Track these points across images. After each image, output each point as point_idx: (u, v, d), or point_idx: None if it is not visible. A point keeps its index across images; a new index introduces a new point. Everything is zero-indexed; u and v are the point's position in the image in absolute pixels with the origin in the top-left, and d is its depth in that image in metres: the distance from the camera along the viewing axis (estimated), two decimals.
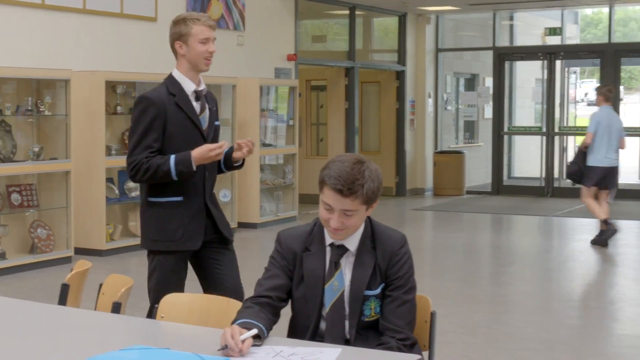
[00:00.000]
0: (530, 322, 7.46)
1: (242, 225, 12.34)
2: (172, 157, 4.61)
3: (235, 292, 4.70)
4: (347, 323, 3.42)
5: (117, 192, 10.63)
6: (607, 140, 11.04)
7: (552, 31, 17.65)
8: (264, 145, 12.92)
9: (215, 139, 4.91)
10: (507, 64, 17.81)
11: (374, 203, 3.36)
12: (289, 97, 13.50)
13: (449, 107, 18.71)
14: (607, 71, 16.44)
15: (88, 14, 10.57)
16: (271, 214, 13.00)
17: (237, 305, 3.47)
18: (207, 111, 4.86)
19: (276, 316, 3.41)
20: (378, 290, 3.42)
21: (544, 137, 17.00)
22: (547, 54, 17.05)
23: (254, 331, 3.10)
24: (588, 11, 20.14)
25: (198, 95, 4.81)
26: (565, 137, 17.58)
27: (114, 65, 10.74)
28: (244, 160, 4.95)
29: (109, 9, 10.86)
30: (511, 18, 18.82)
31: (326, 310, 3.42)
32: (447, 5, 16.54)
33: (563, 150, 17.59)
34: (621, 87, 18.40)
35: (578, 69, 20.84)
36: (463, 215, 14.62)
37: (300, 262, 3.46)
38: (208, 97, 4.92)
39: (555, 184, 17.07)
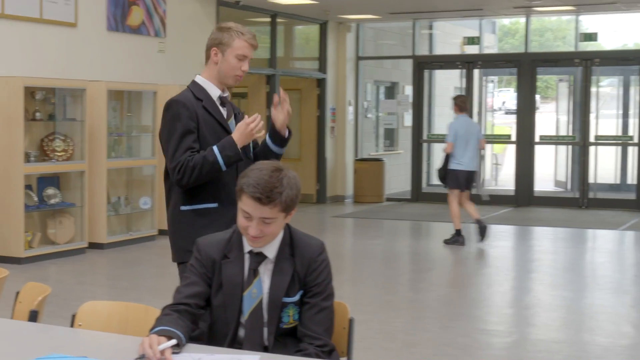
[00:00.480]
0: (447, 327, 7.56)
1: (163, 232, 12.24)
2: (214, 147, 4.38)
3: None
4: (265, 330, 3.43)
5: (35, 199, 10.48)
6: (465, 146, 11.68)
7: (471, 40, 17.92)
8: None
9: (247, 145, 4.62)
10: (426, 73, 18.03)
11: (292, 210, 3.39)
12: None
13: (369, 115, 18.86)
14: (523, 80, 16.76)
15: (6, 18, 10.39)
16: None
17: (155, 313, 3.46)
18: (233, 117, 4.64)
19: (194, 323, 3.41)
20: (296, 297, 3.44)
21: None
22: (466, 63, 17.32)
23: (173, 341, 3.10)
24: (506, 21, 20.49)
25: (223, 101, 4.62)
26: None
27: (33, 71, 10.59)
28: (290, 131, 4.71)
29: (28, 14, 10.70)
30: (430, 27, 19.05)
31: (245, 317, 3.44)
32: (368, 14, 16.70)
33: (481, 157, 17.85)
34: (537, 96, 18.80)
35: (496, 78, 21.19)
36: (383, 222, 14.75)
37: (218, 269, 3.46)
38: (233, 105, 4.74)
39: (473, 191, 17.26)
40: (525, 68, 16.69)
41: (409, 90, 18.06)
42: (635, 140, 16.08)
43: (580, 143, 16.46)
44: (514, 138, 16.97)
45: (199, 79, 4.62)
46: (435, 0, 15.40)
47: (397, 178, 18.58)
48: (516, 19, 17.95)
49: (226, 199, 4.44)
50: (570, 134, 17.05)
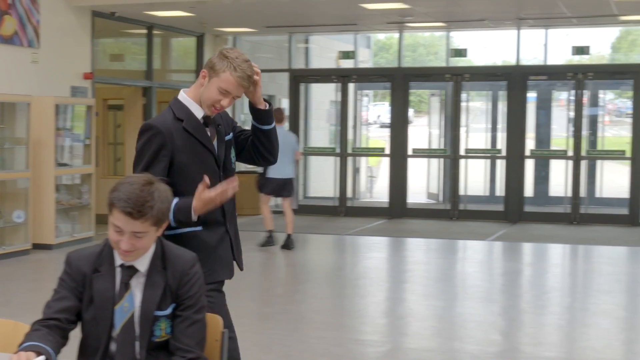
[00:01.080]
0: (322, 338, 7.63)
1: (37, 246, 12.00)
2: (173, 203, 3.98)
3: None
4: (137, 344, 3.41)
5: None
6: (282, 156, 11.95)
7: (346, 55, 18.13)
8: (60, 165, 12.63)
9: (227, 159, 4.42)
10: (302, 86, 18.15)
11: (164, 224, 3.39)
12: (85, 116, 13.25)
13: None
14: (397, 94, 17.03)
15: None
16: (67, 235, 12.71)
17: (25, 328, 3.40)
18: (216, 137, 4.36)
19: (65, 339, 3.36)
20: (169, 311, 3.43)
21: (338, 158, 17.41)
22: (341, 77, 17.50)
23: (42, 358, 3.05)
24: (381, 36, 20.82)
25: (207, 121, 4.30)
26: (358, 157, 18.09)
27: None
28: (269, 103, 4.43)
29: None
30: (306, 41, 19.18)
31: (116, 331, 3.41)
32: (244, 27, 16.73)
33: (356, 170, 18.09)
34: (411, 110, 19.11)
35: (371, 92, 21.46)
36: (260, 234, 14.75)
37: (89, 283, 3.42)
38: (215, 117, 4.38)
39: (349, 204, 17.51)
40: (399, 82, 16.97)
41: (285, 103, 18.14)
42: (503, 153, 16.54)
43: (451, 156, 16.83)
44: (387, 151, 17.22)
45: (183, 97, 4.32)
46: (311, 15, 15.52)
47: None
48: (390, 34, 18.24)
49: (212, 220, 4.25)
50: (442, 147, 17.42)
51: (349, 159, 17.57)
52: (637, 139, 15.73)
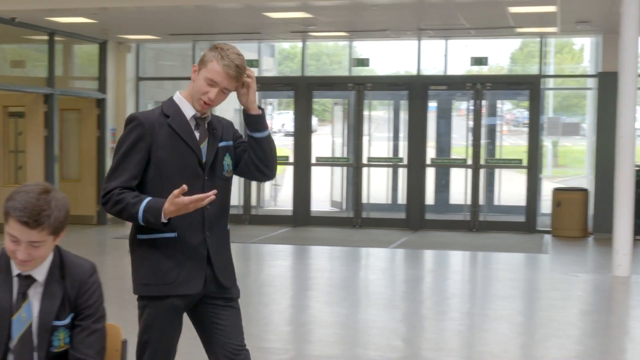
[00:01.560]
0: None
1: None
2: (145, 201, 3.93)
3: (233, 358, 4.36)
4: (35, 355, 3.35)
5: None
6: None
7: (250, 63, 18.06)
8: None
9: (218, 165, 4.16)
10: None
11: (61, 232, 3.32)
12: None
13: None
14: (300, 103, 17.10)
15: None
16: None
17: None
18: (207, 141, 4.14)
19: None
20: (67, 320, 3.38)
21: None
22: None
23: None
24: (285, 45, 20.84)
25: (198, 122, 4.13)
26: None
27: None
28: (263, 112, 4.24)
29: None
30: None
31: (14, 342, 3.34)
32: (148, 34, 16.58)
33: None
34: (315, 119, 19.20)
35: (275, 101, 21.48)
36: None
37: None
38: (213, 122, 4.21)
39: (253, 212, 17.49)
40: (302, 91, 17.04)
41: None
42: (405, 162, 16.73)
43: (354, 164, 16.96)
44: (291, 160, 17.26)
45: (176, 96, 4.18)
46: (215, 23, 15.47)
47: None
48: (295, 43, 18.29)
49: (187, 227, 4.06)
50: (345, 155, 17.52)
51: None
52: (533, 147, 16.11)
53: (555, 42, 18.34)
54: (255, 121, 4.20)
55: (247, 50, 18.82)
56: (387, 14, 13.89)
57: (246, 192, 17.32)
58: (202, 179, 4.09)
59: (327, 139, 19.16)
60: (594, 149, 15.72)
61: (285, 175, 18.99)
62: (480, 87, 16.29)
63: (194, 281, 4.10)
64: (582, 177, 18.45)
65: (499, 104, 17.67)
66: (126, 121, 4.09)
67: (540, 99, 16.42)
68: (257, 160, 4.24)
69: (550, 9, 12.99)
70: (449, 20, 14.42)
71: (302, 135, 17.06)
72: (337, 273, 12.10)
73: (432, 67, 17.49)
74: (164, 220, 3.90)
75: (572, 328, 8.61)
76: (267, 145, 4.22)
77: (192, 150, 4.08)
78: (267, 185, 18.66)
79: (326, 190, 18.58)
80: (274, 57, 20.91)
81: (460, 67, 17.26)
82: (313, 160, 17.09)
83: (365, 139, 16.96)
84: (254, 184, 17.52)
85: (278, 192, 19.57)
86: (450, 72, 16.95)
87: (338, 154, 17.87)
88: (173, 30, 16.08)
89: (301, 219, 17.00)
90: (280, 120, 23.92)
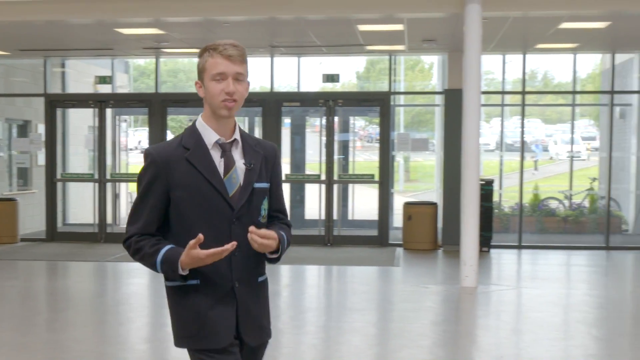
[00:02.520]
0: None
1: None
2: (162, 251, 3.61)
3: None
4: None
5: None
6: None
7: (103, 80, 17.96)
8: None
9: (253, 208, 3.71)
10: (59, 111, 17.84)
11: None
12: None
13: (1, 154, 18.28)
14: (154, 120, 17.06)
15: None
16: None
17: None
18: (236, 170, 3.68)
19: None
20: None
21: (97, 184, 17.21)
22: (98, 102, 17.32)
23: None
24: (141, 61, 20.72)
25: (224, 148, 3.67)
26: (117, 183, 17.92)
27: None
28: (279, 251, 3.79)
29: None
30: (63, 65, 18.84)
31: None
32: None
33: (116, 196, 17.92)
34: (172, 136, 19.13)
35: (129, 117, 21.30)
36: (17, 263, 14.37)
37: None
38: (247, 150, 3.73)
39: (109, 230, 17.32)
40: (156, 108, 17.01)
41: (42, 128, 17.75)
42: None
43: None
44: None
45: (199, 122, 3.73)
46: (66, 39, 15.29)
47: (32, 218, 18.13)
48: (150, 59, 18.23)
49: (212, 274, 3.65)
50: None
51: (109, 185, 17.40)
52: (384, 163, 16.55)
53: (407, 59, 18.91)
54: (271, 261, 3.85)
55: (101, 66, 18.69)
56: (239, 31, 14.04)
57: (101, 210, 17.15)
58: (229, 223, 3.66)
59: None
60: (442, 163, 16.28)
61: None
62: (333, 103, 16.65)
63: (221, 334, 3.68)
64: (432, 191, 19.07)
65: (351, 120, 18.06)
66: (143, 156, 3.73)
67: (391, 115, 16.89)
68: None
69: (398, 27, 13.43)
70: (301, 37, 14.70)
71: None
72: None
73: (285, 84, 17.76)
74: (182, 272, 3.58)
75: (423, 338, 8.94)
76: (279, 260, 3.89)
77: (215, 187, 3.63)
78: (124, 203, 18.51)
79: None
80: (129, 74, 20.76)
81: (313, 84, 17.57)
82: None
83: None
84: (109, 202, 17.35)
85: None
86: (303, 89, 17.24)
87: None
88: (23, 45, 15.81)
89: None
90: (136, 138, 23.76)
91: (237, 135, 3.73)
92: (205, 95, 3.66)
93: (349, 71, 19.39)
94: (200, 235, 3.46)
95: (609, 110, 16.99)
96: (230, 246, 3.48)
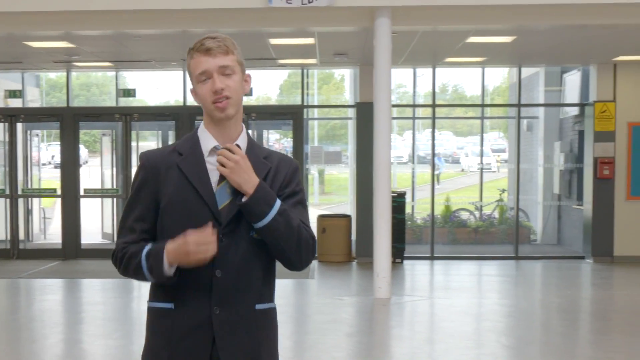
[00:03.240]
0: None
1: None
2: (146, 246, 3.21)
3: None
4: None
5: None
6: None
7: (13, 94, 17.69)
8: None
9: (245, 224, 3.22)
10: None
11: None
12: None
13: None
14: (66, 134, 16.83)
15: None
16: None
17: None
18: (226, 183, 3.22)
19: None
20: None
21: (8, 200, 16.93)
22: (8, 117, 17.03)
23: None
24: (52, 75, 20.46)
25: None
26: (30, 199, 17.65)
27: None
28: (257, 192, 3.17)
29: None
30: None
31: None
32: None
33: (28, 212, 17.65)
34: (85, 150, 18.96)
35: (41, 132, 21.00)
36: None
37: None
38: (250, 160, 3.21)
39: (21, 246, 17.04)
40: (68, 122, 16.79)
41: None
42: None
43: (122, 196, 16.88)
44: (59, 192, 16.96)
45: (200, 128, 3.35)
46: None
47: None
48: (62, 73, 18.01)
49: (188, 297, 3.21)
50: (115, 187, 17.39)
51: (20, 200, 17.13)
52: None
53: (320, 73, 19.07)
54: (243, 210, 3.20)
55: (11, 80, 18.40)
56: (151, 45, 13.99)
57: (13, 226, 16.87)
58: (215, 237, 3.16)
59: (97, 170, 18.94)
60: (355, 176, 16.44)
61: (55, 207, 18.62)
62: (246, 117, 16.69)
63: None
64: (347, 203, 19.24)
65: (265, 133, 18.13)
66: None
67: (305, 128, 17.00)
68: (270, 251, 3.30)
69: (309, 41, 13.54)
70: None
71: (70, 167, 16.80)
72: (109, 305, 12.04)
73: None
74: (167, 269, 3.15)
75: (338, 350, 9.04)
76: (269, 236, 3.21)
77: (202, 198, 3.21)
78: (36, 218, 18.25)
79: (97, 222, 18.37)
80: (39, 88, 20.48)
81: None
82: (81, 192, 16.88)
83: (133, 170, 16.91)
84: (22, 218, 17.08)
85: (48, 225, 19.17)
86: None
87: (108, 185, 17.71)
88: None
89: (71, 252, 16.74)
90: (50, 152, 23.46)
91: (240, 142, 3.30)
92: (199, 101, 3.26)
93: (264, 84, 19.47)
94: (190, 232, 3.08)
95: (516, 122, 17.40)
96: (209, 226, 3.08)
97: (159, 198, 3.23)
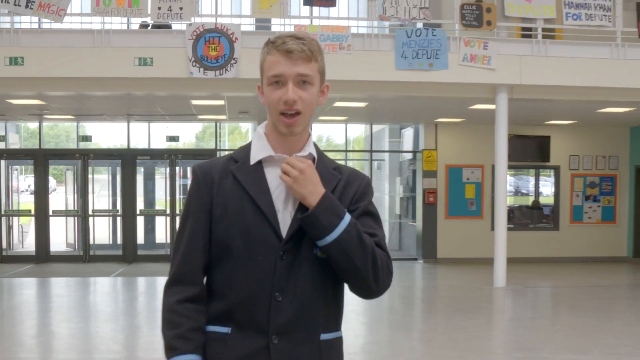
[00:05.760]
0: None
1: None
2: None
3: None
4: None
5: None
6: None
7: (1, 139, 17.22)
8: None
9: (309, 240, 2.09)
10: None
11: None
12: None
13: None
14: (39, 169, 16.46)
15: None
16: None
17: None
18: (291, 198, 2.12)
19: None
20: None
21: None
22: None
23: None
24: (31, 125, 19.82)
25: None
26: (11, 217, 17.08)
27: None
28: (313, 213, 2.05)
29: None
30: None
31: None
32: None
33: (9, 227, 17.07)
34: (54, 181, 18.45)
35: (19, 167, 20.34)
36: None
37: None
38: (318, 170, 2.13)
39: (4, 253, 16.48)
40: (40, 160, 16.43)
41: None
42: (120, 212, 16.60)
43: (82, 215, 16.56)
44: (33, 212, 16.53)
45: (258, 133, 2.21)
46: None
47: None
48: (35, 123, 17.53)
49: (245, 322, 2.10)
50: (76, 208, 17.00)
51: (4, 219, 16.59)
52: None
53: (230, 126, 19.10)
54: (306, 224, 2.07)
55: None
56: (102, 103, 13.79)
57: None
58: (274, 257, 2.09)
59: (62, 196, 18.49)
60: None
61: (31, 224, 18.05)
62: (174, 157, 16.63)
63: None
64: None
65: (189, 169, 18.00)
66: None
67: None
68: (340, 273, 2.13)
69: (220, 102, 13.57)
70: (150, 108, 14.60)
71: (41, 193, 16.42)
72: (71, 298, 11.78)
73: (139, 142, 17.54)
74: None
75: None
76: (338, 254, 2.06)
77: (258, 207, 2.10)
78: (16, 232, 17.66)
79: (62, 235, 17.90)
80: (19, 134, 19.86)
81: (160, 142, 17.45)
82: (50, 212, 16.49)
83: (90, 196, 16.62)
84: (4, 229, 16.54)
85: (25, 237, 18.56)
86: (153, 146, 17.11)
87: (70, 207, 17.32)
88: None
89: (42, 257, 16.29)
90: (27, 182, 22.70)
91: (309, 151, 2.18)
92: (265, 103, 2.16)
93: (187, 133, 19.30)
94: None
95: (369, 163, 17.76)
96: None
97: (212, 208, 2.13)
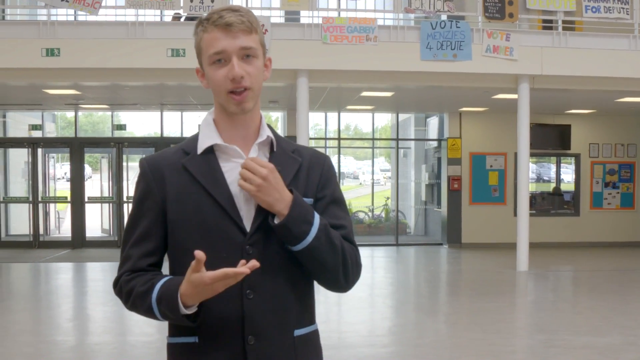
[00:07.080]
0: (18, 342, 7.37)
1: None
2: (157, 286, 1.87)
3: None
4: None
5: None
6: None
7: (35, 127, 17.42)
8: None
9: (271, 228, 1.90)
10: (0, 150, 17.16)
11: None
12: None
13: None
14: (75, 157, 16.64)
15: None
16: None
17: None
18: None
19: None
20: None
21: (31, 205, 16.61)
22: (31, 144, 16.76)
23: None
24: (69, 114, 20.07)
25: (230, 153, 1.95)
26: (47, 204, 17.33)
27: None
28: (284, 224, 1.87)
29: None
30: (4, 116, 18.11)
31: None
32: None
33: (46, 213, 17.33)
34: (89, 168, 18.67)
35: (56, 155, 20.63)
36: None
37: None
38: (277, 155, 1.98)
39: (41, 239, 16.72)
40: (76, 148, 16.61)
41: None
42: None
43: (116, 202, 16.74)
44: (70, 199, 16.75)
45: (205, 120, 2.01)
46: (6, 96, 14.69)
47: None
48: (71, 112, 17.75)
49: (215, 330, 1.90)
50: (111, 195, 17.21)
51: (40, 205, 16.84)
52: None
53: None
54: (278, 232, 1.89)
55: (33, 117, 18.10)
56: (136, 92, 13.91)
57: (35, 222, 16.55)
58: (240, 252, 1.89)
59: (97, 183, 18.71)
60: None
61: (66, 210, 18.31)
62: None
63: None
64: None
65: None
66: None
67: None
68: (312, 272, 1.97)
69: None
70: (182, 98, 14.68)
71: (77, 181, 16.63)
72: (106, 282, 11.85)
73: (172, 130, 17.68)
74: (185, 310, 1.83)
75: None
76: (310, 258, 1.91)
77: (218, 202, 1.90)
78: (52, 218, 17.92)
79: (97, 221, 18.13)
80: (56, 123, 20.13)
81: (192, 130, 17.52)
82: (86, 199, 16.70)
83: (124, 183, 16.79)
84: (41, 215, 16.79)
85: (61, 223, 18.84)
86: (185, 135, 17.19)
87: (105, 194, 17.53)
88: None
89: (78, 243, 16.52)
90: (63, 170, 23.02)
91: (266, 134, 1.99)
92: (209, 86, 1.96)
93: None
94: (199, 253, 1.74)
95: (396, 151, 17.73)
96: (252, 265, 1.76)
97: (165, 208, 1.93)
